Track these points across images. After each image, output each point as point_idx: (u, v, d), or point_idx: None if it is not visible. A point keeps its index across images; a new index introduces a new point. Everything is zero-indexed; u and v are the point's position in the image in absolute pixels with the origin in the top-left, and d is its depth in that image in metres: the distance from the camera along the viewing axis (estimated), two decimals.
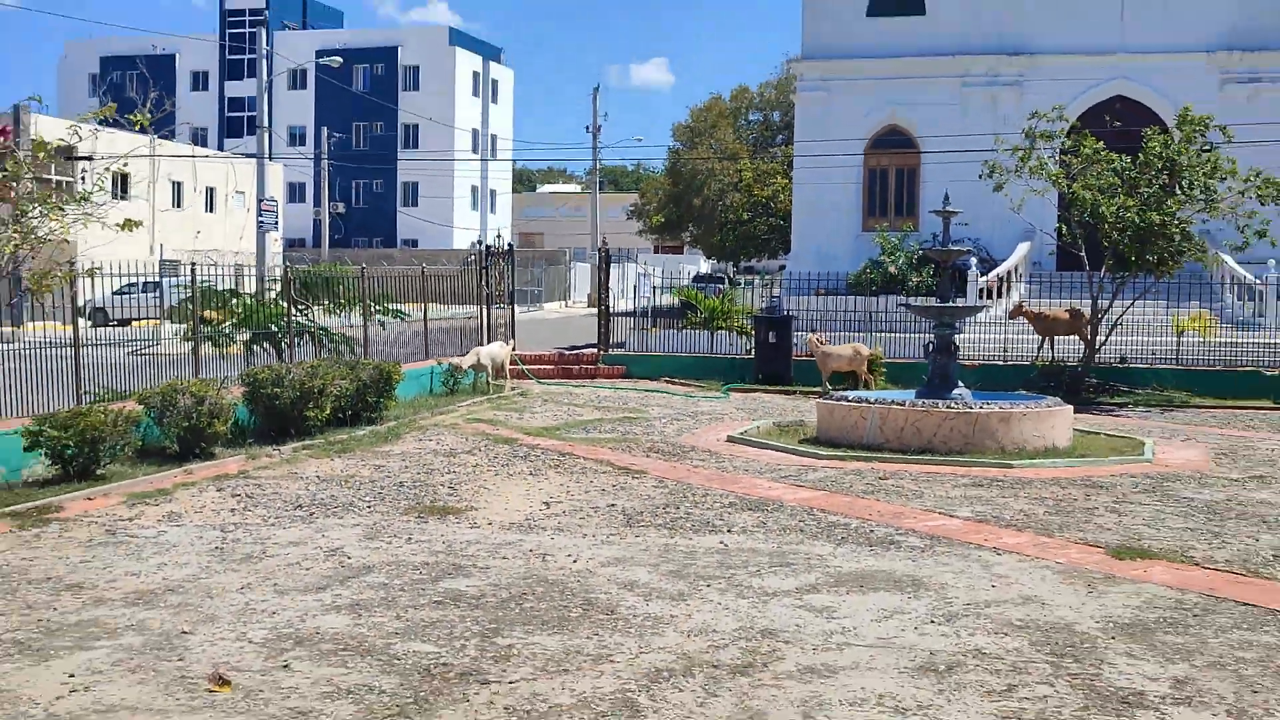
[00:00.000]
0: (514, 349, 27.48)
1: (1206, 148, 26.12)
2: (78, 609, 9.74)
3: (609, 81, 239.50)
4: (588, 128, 76.21)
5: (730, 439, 19.62)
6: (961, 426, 18.10)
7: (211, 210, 72.98)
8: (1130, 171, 26.12)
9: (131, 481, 14.87)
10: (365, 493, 14.81)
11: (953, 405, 18.50)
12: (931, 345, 20.15)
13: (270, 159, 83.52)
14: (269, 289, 26.45)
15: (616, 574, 11.00)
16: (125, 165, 16.60)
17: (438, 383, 25.21)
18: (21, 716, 7.44)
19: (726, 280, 61.19)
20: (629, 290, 35.89)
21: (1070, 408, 19.61)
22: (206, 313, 23.65)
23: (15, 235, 12.78)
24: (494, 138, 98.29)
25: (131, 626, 9.29)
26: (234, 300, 24.43)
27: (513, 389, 26.03)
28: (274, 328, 23.82)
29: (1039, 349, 28.24)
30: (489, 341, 28.07)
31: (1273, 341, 29.54)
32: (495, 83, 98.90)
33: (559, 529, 12.91)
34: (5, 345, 18.31)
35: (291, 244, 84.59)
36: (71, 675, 8.15)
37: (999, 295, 35.36)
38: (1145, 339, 28.83)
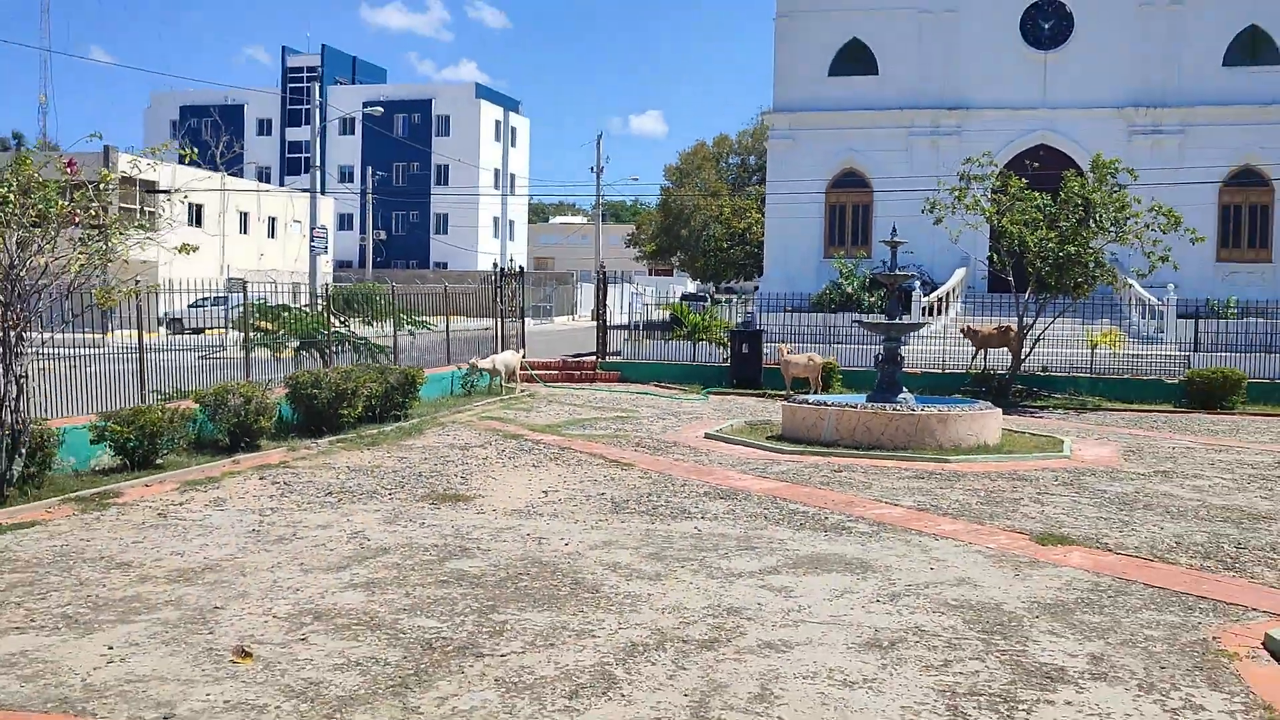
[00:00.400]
0: (524, 356, 26.99)
1: (1116, 188, 25.73)
2: (124, 585, 9.29)
3: (612, 130, 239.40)
4: (592, 168, 75.83)
5: (708, 435, 19.14)
6: (905, 426, 17.64)
7: (273, 236, 72.53)
8: (1051, 208, 25.72)
9: (185, 470, 14.41)
10: (388, 481, 14.36)
11: (898, 408, 18.01)
12: (880, 356, 19.69)
13: (323, 193, 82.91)
14: (318, 303, 26.15)
15: (602, 556, 10.55)
16: (185, 197, 16.13)
17: (458, 385, 24.73)
18: (62, 685, 6.99)
19: (709, 299, 60.73)
20: (626, 307, 35.59)
21: (1000, 410, 19.16)
22: (261, 323, 23.49)
23: (81, 255, 12.32)
24: (513, 176, 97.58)
25: (170, 602, 8.84)
26: (285, 314, 24.09)
27: (522, 390, 25.56)
28: (318, 337, 23.53)
29: (973, 359, 27.79)
30: (503, 350, 27.63)
31: (1171, 354, 29.13)
32: (514, 130, 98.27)
33: (554, 515, 12.46)
34: (85, 351, 17.88)
35: (341, 265, 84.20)
36: (110, 647, 7.70)
37: (939, 313, 35.20)
38: (1064, 351, 28.43)
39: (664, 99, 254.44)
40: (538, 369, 28.44)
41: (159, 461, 14.48)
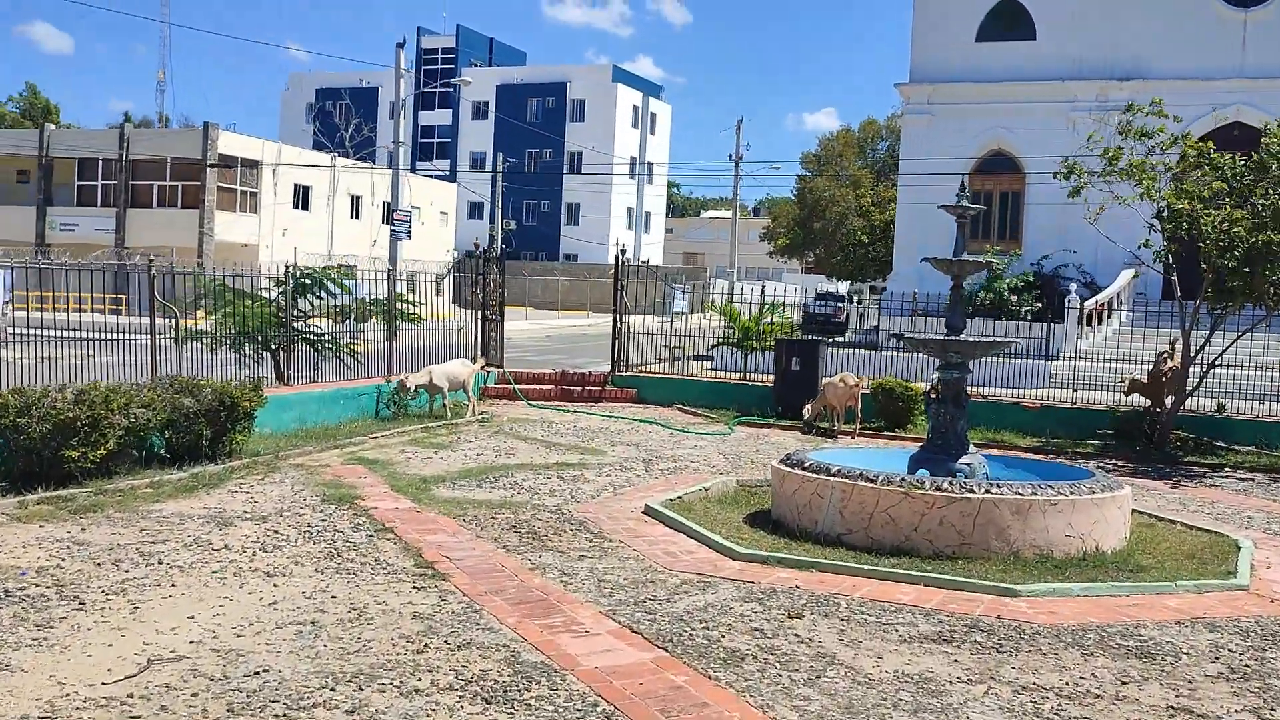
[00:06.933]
0: (483, 366, 19.89)
1: None
2: None
3: (788, 126, 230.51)
4: (730, 156, 68.75)
5: (648, 510, 11.82)
6: (955, 518, 10.08)
7: (388, 221, 67.89)
8: (1245, 177, 17.74)
9: None
10: None
11: (945, 487, 10.35)
12: (932, 392, 12.10)
13: (452, 180, 77.96)
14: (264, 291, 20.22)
15: None
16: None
17: (384, 404, 18.08)
18: None
19: (848, 299, 53.02)
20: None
21: (1127, 491, 11.06)
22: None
23: None
24: (650, 165, 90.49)
25: None
26: (242, 301, 18.46)
27: (479, 414, 18.56)
28: (265, 331, 18.24)
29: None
30: (487, 353, 20.96)
31: None
32: (654, 116, 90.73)
33: None
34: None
35: (469, 255, 79.01)
36: None
37: (1098, 323, 27.80)
38: (1250, 382, 20.20)
39: (839, 96, 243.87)
40: (525, 384, 21.40)
41: None
